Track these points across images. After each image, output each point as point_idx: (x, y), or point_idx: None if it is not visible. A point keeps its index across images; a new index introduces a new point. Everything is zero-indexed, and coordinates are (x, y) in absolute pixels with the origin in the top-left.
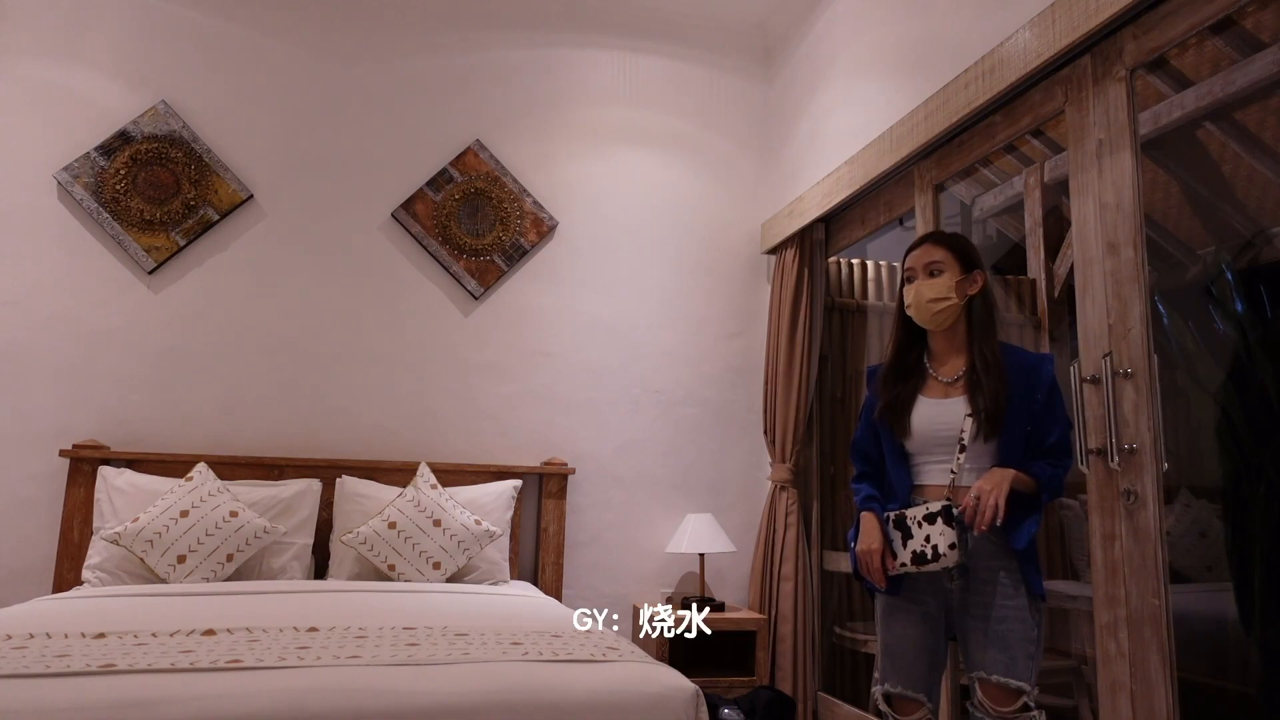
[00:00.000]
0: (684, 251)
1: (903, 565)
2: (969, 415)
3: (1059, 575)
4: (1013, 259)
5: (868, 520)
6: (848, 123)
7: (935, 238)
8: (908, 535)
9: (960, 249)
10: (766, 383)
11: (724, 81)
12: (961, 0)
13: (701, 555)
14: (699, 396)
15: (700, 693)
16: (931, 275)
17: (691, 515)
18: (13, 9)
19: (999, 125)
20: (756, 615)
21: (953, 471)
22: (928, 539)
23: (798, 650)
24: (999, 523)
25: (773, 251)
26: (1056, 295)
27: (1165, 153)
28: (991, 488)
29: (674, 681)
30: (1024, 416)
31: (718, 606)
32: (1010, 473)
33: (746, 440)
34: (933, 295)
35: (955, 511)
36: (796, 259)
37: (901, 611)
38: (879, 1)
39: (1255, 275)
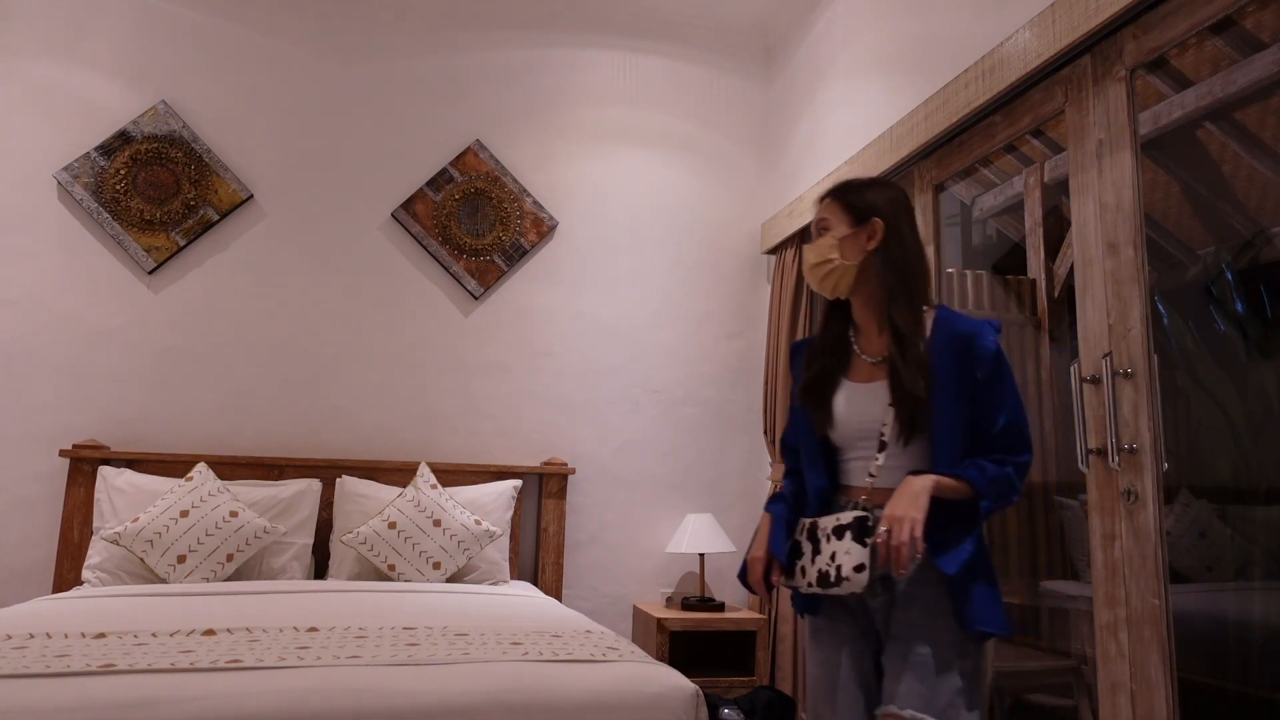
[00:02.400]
0: (684, 251)
1: (809, 586)
2: (891, 405)
3: (1059, 575)
4: (1013, 259)
5: (763, 523)
6: (848, 123)
7: (827, 191)
8: (816, 550)
9: (848, 197)
10: (766, 383)
11: (724, 81)
12: (961, 0)
13: (701, 555)
14: (699, 396)
15: (700, 693)
16: (821, 234)
17: (691, 515)
18: (13, 9)
19: (999, 125)
20: (756, 615)
21: (870, 475)
22: (833, 557)
23: (798, 650)
24: (918, 557)
25: (773, 251)
26: (1056, 295)
27: (1165, 153)
28: (902, 514)
29: (674, 681)
30: (962, 401)
31: (717, 606)
32: (928, 483)
33: (746, 440)
34: (814, 259)
35: (869, 524)
36: (797, 259)
37: (824, 633)
38: (879, 1)
39: (1255, 275)
